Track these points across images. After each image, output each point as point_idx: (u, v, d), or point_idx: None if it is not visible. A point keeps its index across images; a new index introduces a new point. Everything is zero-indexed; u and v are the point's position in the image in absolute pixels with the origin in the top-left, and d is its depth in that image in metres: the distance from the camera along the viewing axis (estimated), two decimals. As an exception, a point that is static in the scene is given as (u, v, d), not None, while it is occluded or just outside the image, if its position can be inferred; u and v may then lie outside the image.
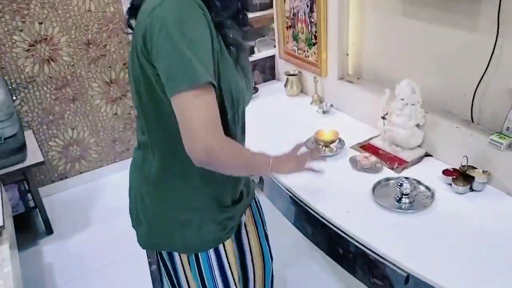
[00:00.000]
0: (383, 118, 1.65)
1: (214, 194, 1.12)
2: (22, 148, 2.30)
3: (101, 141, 2.97)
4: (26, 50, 2.52)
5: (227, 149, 0.92)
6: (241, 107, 1.07)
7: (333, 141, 1.70)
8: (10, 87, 2.51)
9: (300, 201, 1.48)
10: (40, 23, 2.51)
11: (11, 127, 2.21)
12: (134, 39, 0.95)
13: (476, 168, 1.41)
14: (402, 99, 1.56)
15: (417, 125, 1.59)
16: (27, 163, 2.33)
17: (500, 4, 1.29)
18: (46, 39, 2.55)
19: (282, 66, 2.36)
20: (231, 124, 1.04)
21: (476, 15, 1.40)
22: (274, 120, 2.00)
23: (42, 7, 2.48)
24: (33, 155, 2.39)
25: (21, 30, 2.47)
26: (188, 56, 0.85)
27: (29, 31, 2.49)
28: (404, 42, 1.70)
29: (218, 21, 0.96)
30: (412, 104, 1.56)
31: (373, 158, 1.60)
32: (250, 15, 2.55)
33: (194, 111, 0.86)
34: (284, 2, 2.16)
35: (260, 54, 2.42)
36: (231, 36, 1.00)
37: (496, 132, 1.39)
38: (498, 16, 1.31)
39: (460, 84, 1.54)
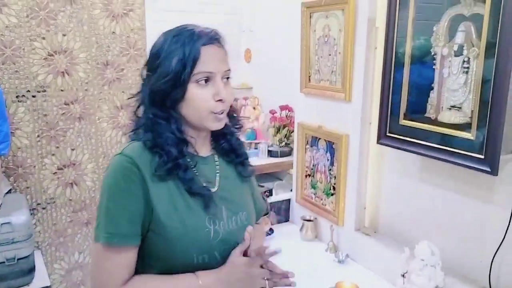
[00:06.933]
0: (403, 276, 1.69)
1: None
2: (31, 270, 2.27)
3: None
4: (54, 173, 2.64)
5: None
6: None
7: (353, 296, 1.72)
8: (30, 208, 2.57)
9: None
10: (73, 149, 2.68)
11: (26, 248, 2.21)
12: None
13: None
14: (422, 260, 1.62)
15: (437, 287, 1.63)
16: (32, 286, 2.28)
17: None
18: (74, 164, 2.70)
19: (297, 211, 2.46)
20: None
21: (491, 189, 1.54)
22: (290, 265, 2.00)
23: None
24: (40, 278, 2.33)
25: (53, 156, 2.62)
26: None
27: (61, 156, 2.64)
28: (421, 205, 1.81)
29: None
30: (432, 266, 1.62)
31: (394, 318, 1.61)
32: (272, 160, 2.75)
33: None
34: (305, 152, 2.34)
35: (277, 196, 2.54)
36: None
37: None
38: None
39: (477, 250, 1.61)
